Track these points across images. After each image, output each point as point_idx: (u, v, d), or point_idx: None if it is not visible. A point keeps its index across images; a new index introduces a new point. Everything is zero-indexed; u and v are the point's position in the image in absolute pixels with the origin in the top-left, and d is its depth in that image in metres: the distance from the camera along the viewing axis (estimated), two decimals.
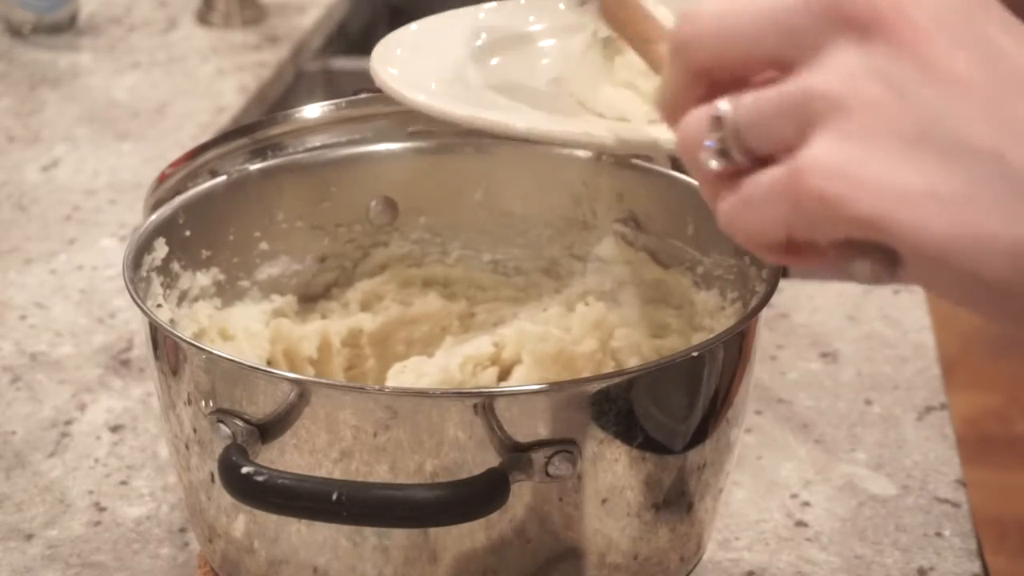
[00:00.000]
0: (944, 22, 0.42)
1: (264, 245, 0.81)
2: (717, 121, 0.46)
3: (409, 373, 0.77)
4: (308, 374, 0.78)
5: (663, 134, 0.67)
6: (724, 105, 0.46)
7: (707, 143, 0.46)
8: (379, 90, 0.75)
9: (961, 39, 0.42)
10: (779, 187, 0.44)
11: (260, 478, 0.59)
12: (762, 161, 0.45)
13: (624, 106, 0.72)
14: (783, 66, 0.45)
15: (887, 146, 0.42)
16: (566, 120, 0.72)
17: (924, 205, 0.42)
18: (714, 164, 0.46)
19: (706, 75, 0.47)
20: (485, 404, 0.61)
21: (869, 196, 0.42)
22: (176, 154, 0.78)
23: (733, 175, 0.46)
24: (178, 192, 0.76)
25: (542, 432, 0.61)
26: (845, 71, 0.43)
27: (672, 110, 0.49)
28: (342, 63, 1.51)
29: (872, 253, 0.44)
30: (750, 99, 0.45)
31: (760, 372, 0.90)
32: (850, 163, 0.42)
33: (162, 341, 0.67)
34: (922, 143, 0.42)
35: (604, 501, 0.65)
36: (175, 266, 0.75)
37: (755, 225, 0.46)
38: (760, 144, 0.45)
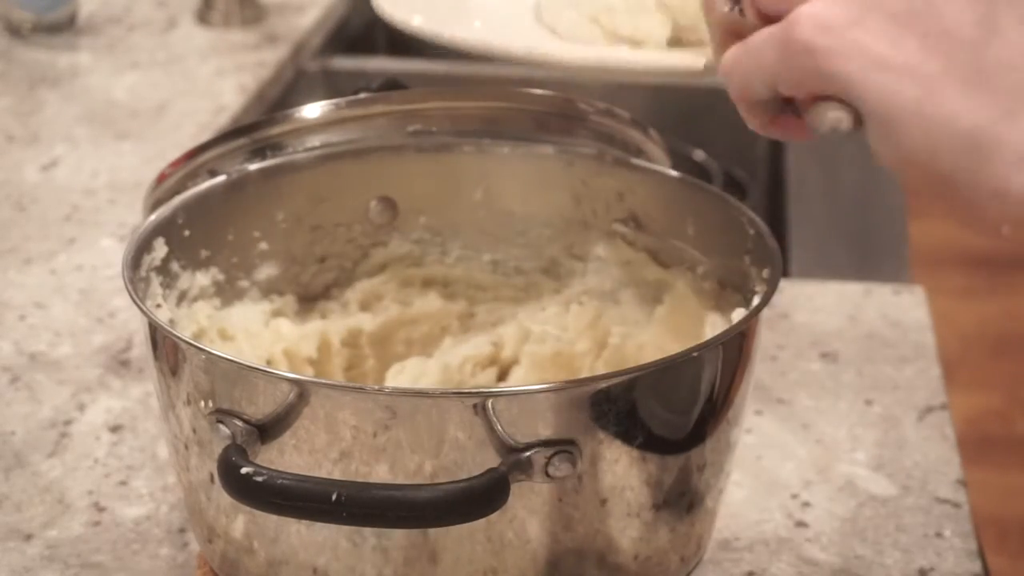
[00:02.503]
0: None
1: (264, 245, 0.81)
2: None
3: (408, 373, 0.77)
4: (308, 374, 0.78)
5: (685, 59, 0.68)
6: None
7: None
8: (379, 90, 0.75)
9: None
10: (775, 35, 0.49)
11: (260, 478, 0.59)
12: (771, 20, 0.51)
13: (647, 28, 0.72)
14: None
15: (877, 18, 0.47)
16: (583, 47, 0.72)
17: (898, 75, 0.47)
18: (726, 8, 0.53)
19: None
20: (485, 404, 0.61)
21: (850, 55, 0.47)
22: (175, 154, 0.78)
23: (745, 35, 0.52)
24: (177, 192, 0.76)
25: (542, 432, 0.61)
26: None
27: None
28: (342, 63, 1.51)
29: (839, 109, 0.49)
30: None
31: (760, 372, 0.90)
32: (839, 22, 0.47)
33: (161, 341, 0.67)
34: (910, 23, 0.47)
35: (604, 501, 0.65)
36: (174, 266, 0.75)
37: (748, 70, 0.51)
38: (769, 5, 0.51)
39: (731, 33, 0.53)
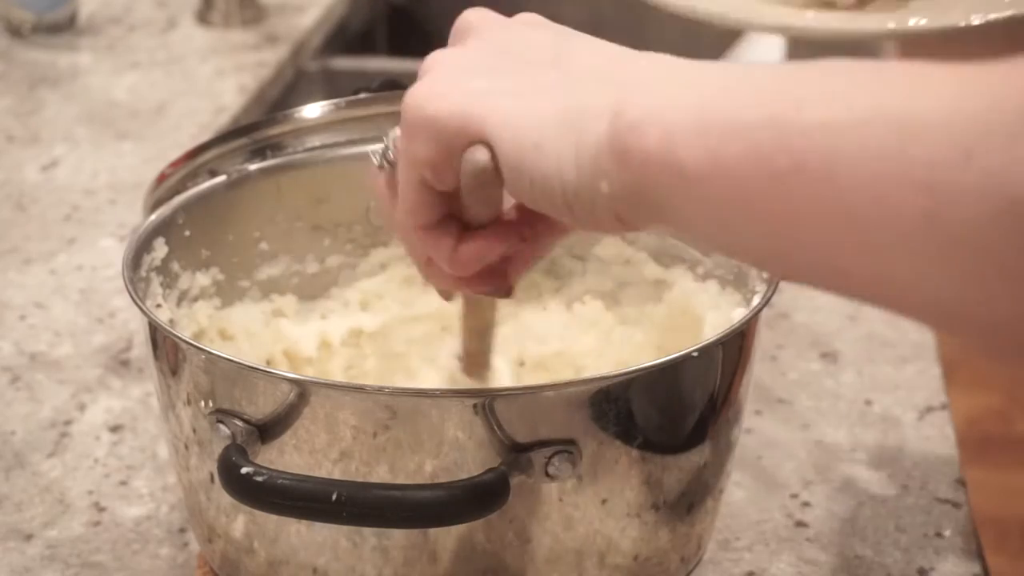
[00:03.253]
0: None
1: (264, 245, 0.81)
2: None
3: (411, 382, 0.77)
4: (308, 374, 0.78)
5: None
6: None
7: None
8: (378, 90, 0.75)
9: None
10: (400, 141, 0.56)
11: (260, 478, 0.59)
12: None
13: None
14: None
15: (458, 73, 0.55)
16: (773, 9, 0.76)
17: (489, 97, 0.53)
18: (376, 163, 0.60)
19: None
20: (485, 404, 0.61)
21: (452, 99, 0.53)
22: (176, 154, 0.78)
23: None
24: (178, 192, 0.76)
25: (542, 432, 0.61)
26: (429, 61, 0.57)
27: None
28: (342, 63, 1.51)
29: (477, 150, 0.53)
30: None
31: (760, 372, 0.90)
32: (434, 85, 0.54)
33: (162, 341, 0.67)
34: (479, 68, 0.55)
35: (604, 501, 0.65)
36: (175, 266, 0.75)
37: (404, 199, 0.58)
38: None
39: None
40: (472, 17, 0.58)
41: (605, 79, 0.52)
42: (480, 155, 0.52)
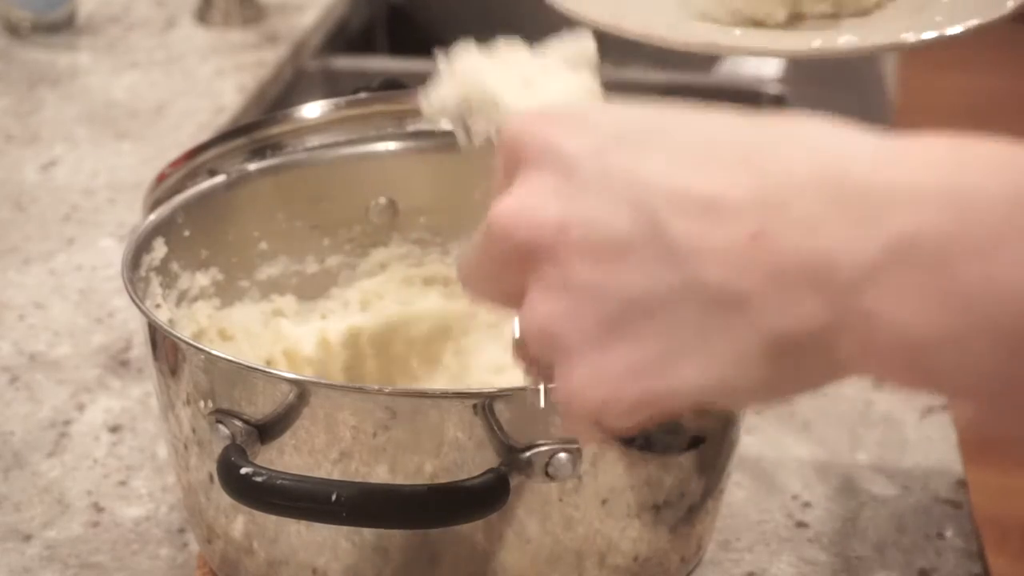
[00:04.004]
0: (580, 213, 0.46)
1: (264, 245, 0.81)
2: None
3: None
4: (307, 374, 0.78)
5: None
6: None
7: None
8: (378, 90, 0.75)
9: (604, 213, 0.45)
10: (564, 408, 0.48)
11: (259, 479, 0.59)
12: None
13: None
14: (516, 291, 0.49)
15: (588, 349, 0.46)
16: (699, 28, 0.74)
17: (637, 378, 0.45)
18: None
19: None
20: (485, 404, 0.60)
21: (621, 392, 0.45)
22: (175, 154, 0.78)
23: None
24: (177, 192, 0.76)
25: (542, 432, 0.61)
26: (531, 308, 0.47)
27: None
28: (342, 62, 1.51)
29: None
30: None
31: None
32: (583, 381, 0.46)
33: (161, 341, 0.67)
34: (612, 330, 0.45)
35: (604, 502, 0.65)
36: (174, 266, 0.75)
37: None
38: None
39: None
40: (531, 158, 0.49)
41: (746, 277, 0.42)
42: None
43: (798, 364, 0.43)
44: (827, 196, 0.41)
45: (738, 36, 0.74)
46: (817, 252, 0.41)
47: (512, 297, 0.49)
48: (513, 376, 0.76)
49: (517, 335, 0.49)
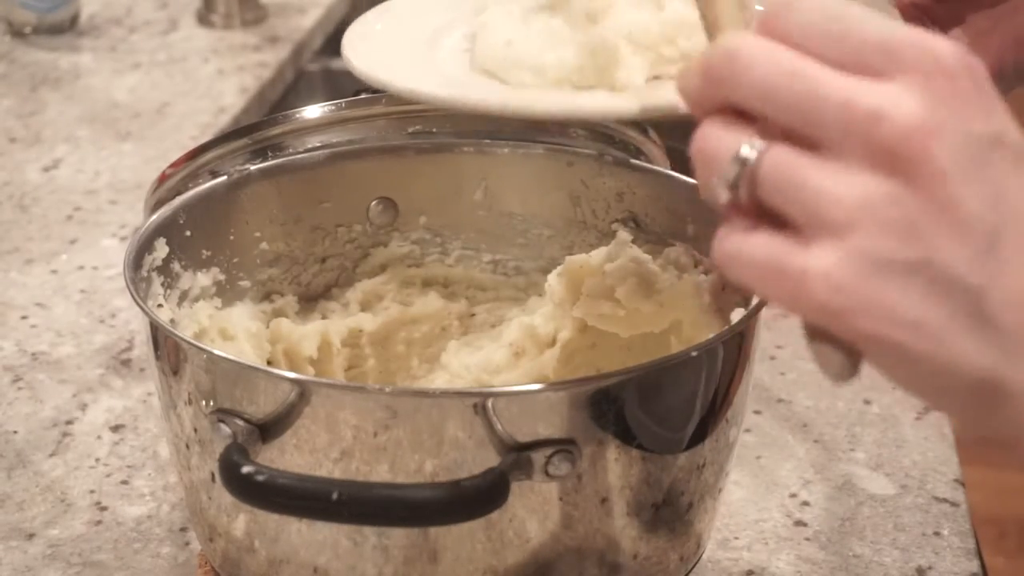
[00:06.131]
0: (962, 163, 0.45)
1: (264, 245, 0.81)
2: (739, 159, 0.47)
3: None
4: (308, 374, 0.78)
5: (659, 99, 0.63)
6: (749, 150, 0.47)
7: (722, 172, 0.48)
8: (379, 91, 0.74)
9: (974, 180, 0.45)
10: (783, 277, 0.47)
11: (260, 478, 0.59)
12: (767, 212, 0.47)
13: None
14: (810, 143, 0.46)
15: (889, 271, 0.45)
16: (558, 95, 0.67)
17: (910, 330, 0.46)
18: (722, 193, 0.48)
19: (737, 106, 0.48)
20: (485, 404, 0.61)
21: (866, 317, 0.46)
22: (177, 154, 0.79)
23: (740, 209, 0.48)
24: (179, 192, 0.76)
25: (542, 432, 0.61)
26: (866, 191, 0.46)
27: (698, 105, 0.50)
28: (342, 63, 1.51)
29: (845, 353, 0.48)
30: (773, 161, 0.47)
31: (760, 372, 0.90)
32: (855, 283, 0.46)
33: (163, 341, 0.67)
34: (919, 273, 0.46)
35: (604, 501, 0.65)
36: (176, 266, 0.75)
37: (747, 279, 0.48)
38: (771, 203, 0.47)
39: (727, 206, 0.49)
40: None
41: None
42: (848, 370, 0.49)
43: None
44: None
45: (605, 100, 0.64)
46: None
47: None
48: (513, 376, 0.77)
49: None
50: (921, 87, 0.45)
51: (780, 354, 0.93)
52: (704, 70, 0.49)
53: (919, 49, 0.46)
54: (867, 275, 0.45)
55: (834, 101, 0.46)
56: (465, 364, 0.78)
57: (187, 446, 0.68)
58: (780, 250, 0.47)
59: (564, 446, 0.62)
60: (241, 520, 0.67)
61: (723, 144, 0.48)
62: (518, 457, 0.61)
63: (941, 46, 0.46)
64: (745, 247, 0.48)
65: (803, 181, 0.46)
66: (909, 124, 0.45)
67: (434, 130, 0.82)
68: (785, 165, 0.47)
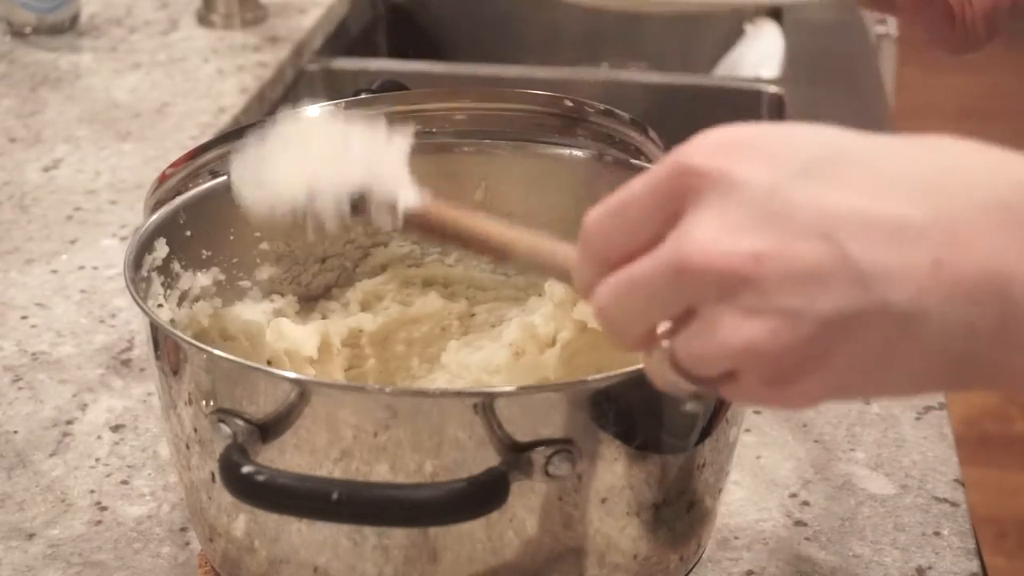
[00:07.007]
0: (766, 211, 0.48)
1: (264, 245, 0.81)
2: (664, 351, 0.51)
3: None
4: (308, 374, 0.78)
5: None
6: (664, 346, 0.51)
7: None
8: (379, 90, 0.75)
9: (787, 217, 0.48)
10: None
11: (260, 478, 0.59)
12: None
13: None
14: (688, 312, 0.50)
15: (790, 367, 0.48)
16: None
17: (827, 392, 0.49)
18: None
19: (611, 261, 0.52)
20: (485, 404, 0.61)
21: (809, 399, 0.49)
22: (177, 154, 0.79)
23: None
24: (179, 192, 0.76)
25: (542, 432, 0.62)
26: (734, 328, 0.48)
27: (588, 291, 0.53)
28: (342, 63, 1.51)
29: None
30: (678, 348, 0.50)
31: None
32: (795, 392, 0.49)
33: (163, 341, 0.67)
34: (808, 352, 0.48)
35: (604, 501, 0.65)
36: (176, 266, 0.75)
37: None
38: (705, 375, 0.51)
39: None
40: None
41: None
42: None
43: (968, 371, 0.47)
44: (1008, 220, 0.46)
45: None
46: (996, 272, 0.45)
47: (649, 336, 0.51)
48: (513, 376, 0.77)
49: (666, 360, 0.51)
50: (694, 198, 0.48)
51: None
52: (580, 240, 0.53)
53: (674, 167, 0.49)
54: (785, 383, 0.48)
55: (660, 277, 0.49)
56: (465, 364, 0.78)
57: (187, 446, 0.68)
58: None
59: (564, 446, 0.62)
60: (241, 520, 0.67)
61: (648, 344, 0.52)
62: (518, 457, 0.61)
63: (685, 151, 0.49)
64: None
65: (702, 352, 0.49)
66: (705, 249, 0.48)
67: (434, 130, 0.82)
68: (686, 348, 0.50)
